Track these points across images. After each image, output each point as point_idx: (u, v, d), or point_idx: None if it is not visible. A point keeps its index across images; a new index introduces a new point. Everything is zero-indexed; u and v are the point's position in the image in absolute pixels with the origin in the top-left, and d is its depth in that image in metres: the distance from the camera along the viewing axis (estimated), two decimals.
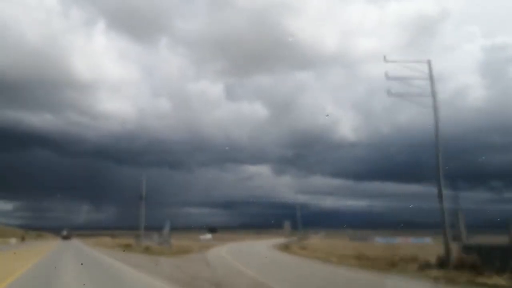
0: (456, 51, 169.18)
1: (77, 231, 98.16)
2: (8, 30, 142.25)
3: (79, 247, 44.73)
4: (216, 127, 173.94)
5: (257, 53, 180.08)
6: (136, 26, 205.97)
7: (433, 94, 17.69)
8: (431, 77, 17.86)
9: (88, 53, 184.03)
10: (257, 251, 36.23)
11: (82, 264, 20.52)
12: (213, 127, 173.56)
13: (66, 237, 79.65)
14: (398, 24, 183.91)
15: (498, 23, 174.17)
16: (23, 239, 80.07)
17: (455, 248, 16.67)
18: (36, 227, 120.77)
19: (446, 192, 16.85)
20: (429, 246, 41.55)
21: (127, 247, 40.75)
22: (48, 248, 41.68)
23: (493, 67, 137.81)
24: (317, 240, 68.04)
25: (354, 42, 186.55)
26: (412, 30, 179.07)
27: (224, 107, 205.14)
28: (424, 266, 16.47)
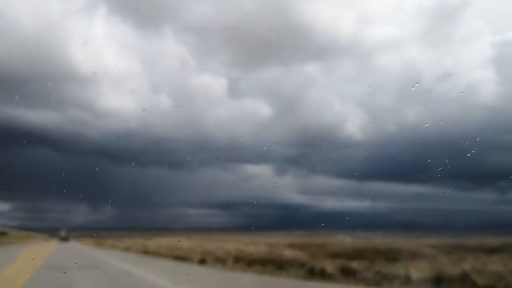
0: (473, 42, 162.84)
1: (75, 232, 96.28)
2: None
3: None
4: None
5: (263, 41, 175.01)
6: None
7: None
8: None
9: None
10: None
11: None
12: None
13: (64, 238, 75.70)
14: (417, 11, 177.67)
15: None
16: None
17: None
18: (32, 228, 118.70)
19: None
20: None
21: None
22: None
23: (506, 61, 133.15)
24: None
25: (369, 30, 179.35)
26: (432, 18, 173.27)
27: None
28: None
